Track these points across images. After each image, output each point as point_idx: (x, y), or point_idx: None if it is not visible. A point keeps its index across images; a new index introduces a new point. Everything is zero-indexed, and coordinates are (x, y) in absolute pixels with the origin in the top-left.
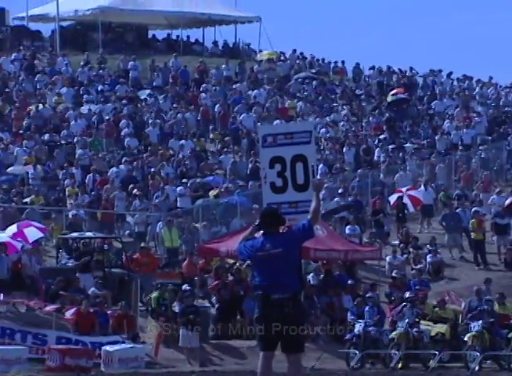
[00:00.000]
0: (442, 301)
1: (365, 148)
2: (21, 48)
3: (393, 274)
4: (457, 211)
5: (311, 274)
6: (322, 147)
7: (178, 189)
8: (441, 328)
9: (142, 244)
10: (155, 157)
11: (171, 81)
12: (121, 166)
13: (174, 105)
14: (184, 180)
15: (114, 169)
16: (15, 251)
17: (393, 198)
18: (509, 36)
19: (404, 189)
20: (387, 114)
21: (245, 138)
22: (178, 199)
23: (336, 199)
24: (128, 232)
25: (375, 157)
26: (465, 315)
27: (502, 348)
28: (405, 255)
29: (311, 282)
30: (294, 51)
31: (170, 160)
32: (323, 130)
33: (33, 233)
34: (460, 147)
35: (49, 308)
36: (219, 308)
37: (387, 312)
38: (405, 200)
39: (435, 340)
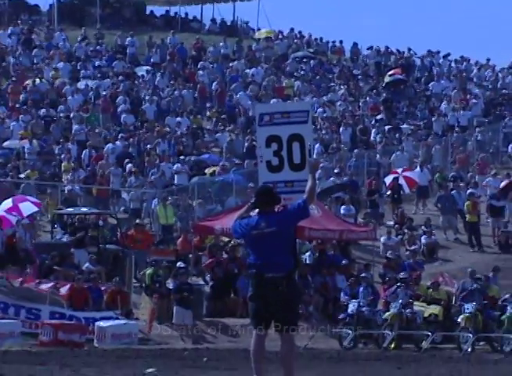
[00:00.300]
0: (436, 282)
1: (362, 128)
2: (19, 22)
3: (387, 255)
4: (452, 192)
5: (308, 253)
6: (318, 127)
7: (176, 166)
8: (435, 309)
9: (137, 221)
10: (151, 134)
11: (168, 57)
12: (117, 142)
13: (171, 82)
14: (181, 157)
15: (110, 145)
16: (9, 225)
17: (389, 179)
18: (507, 18)
19: (399, 170)
20: (384, 95)
21: (242, 116)
22: (175, 176)
23: (332, 178)
24: (123, 208)
25: (371, 138)
26: (458, 296)
27: (494, 329)
28: (399, 236)
29: (308, 261)
30: (292, 30)
31: (166, 137)
32: (320, 109)
33: (27, 207)
34: (457, 129)
35: (44, 286)
36: (213, 286)
37: (380, 293)
38: (401, 181)
39: (428, 321)
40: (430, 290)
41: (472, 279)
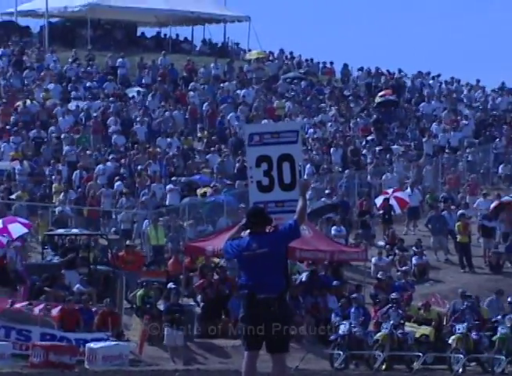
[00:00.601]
0: (427, 303)
1: (353, 149)
2: (9, 43)
3: (378, 275)
4: (443, 213)
5: (305, 273)
6: (309, 148)
7: (168, 186)
8: (426, 330)
9: (128, 242)
10: (142, 155)
11: (159, 79)
12: (108, 163)
13: (162, 103)
14: (172, 178)
15: (101, 166)
16: (0, 246)
17: (379, 199)
18: (497, 39)
19: (390, 191)
20: (374, 116)
21: (232, 137)
22: (167, 195)
23: (322, 199)
24: (113, 229)
25: (362, 158)
26: (449, 317)
27: (485, 350)
28: (390, 257)
29: (304, 280)
30: (282, 51)
31: (157, 158)
32: (311, 130)
33: (17, 228)
34: (447, 150)
35: (37, 309)
36: (204, 307)
37: (371, 314)
38: (392, 201)
39: (419, 342)
40: (422, 310)
41: (462, 297)
